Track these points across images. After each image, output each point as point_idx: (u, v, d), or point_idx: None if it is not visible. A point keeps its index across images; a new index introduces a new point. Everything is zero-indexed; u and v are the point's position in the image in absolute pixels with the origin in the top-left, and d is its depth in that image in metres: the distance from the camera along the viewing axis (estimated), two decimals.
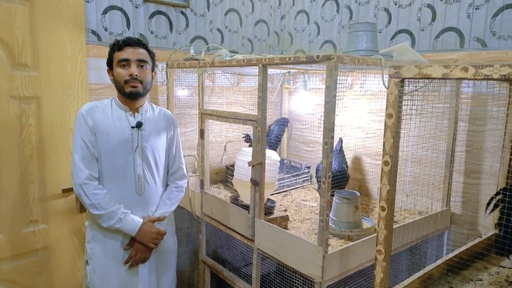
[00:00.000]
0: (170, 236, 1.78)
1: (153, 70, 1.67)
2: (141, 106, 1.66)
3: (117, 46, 1.57)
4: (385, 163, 1.08)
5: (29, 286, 1.82)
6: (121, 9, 2.09)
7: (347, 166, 2.15)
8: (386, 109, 1.06)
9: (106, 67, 1.64)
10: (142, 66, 1.58)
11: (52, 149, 1.82)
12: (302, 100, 2.61)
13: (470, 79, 0.91)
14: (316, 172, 2.19)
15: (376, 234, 1.14)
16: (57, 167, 1.84)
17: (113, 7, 2.05)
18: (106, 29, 2.04)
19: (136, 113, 1.65)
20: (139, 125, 1.62)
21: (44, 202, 1.83)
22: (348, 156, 2.25)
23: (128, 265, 1.63)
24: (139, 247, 1.62)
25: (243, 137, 2.33)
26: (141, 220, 1.61)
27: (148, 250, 1.65)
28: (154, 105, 1.77)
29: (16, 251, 1.77)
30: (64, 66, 1.83)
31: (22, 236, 1.78)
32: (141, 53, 1.58)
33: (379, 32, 2.17)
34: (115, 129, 1.59)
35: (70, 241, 1.93)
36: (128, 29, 2.12)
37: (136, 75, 1.55)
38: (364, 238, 1.56)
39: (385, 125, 1.07)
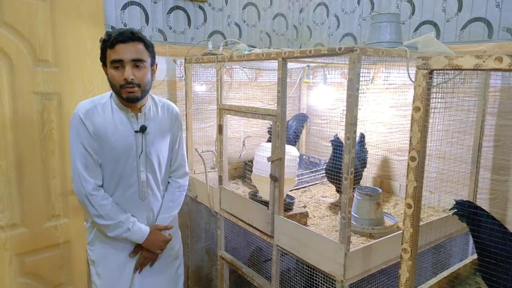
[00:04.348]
0: (173, 232, 1.72)
1: (152, 64, 1.48)
2: (144, 105, 1.52)
3: (108, 44, 1.38)
4: (412, 158, 1.04)
5: (51, 279, 1.85)
6: (139, 5, 2.08)
7: (364, 163, 2.09)
8: (413, 102, 1.01)
9: (100, 63, 1.47)
10: (137, 66, 1.40)
11: None
12: (321, 95, 2.57)
13: (505, 70, 0.85)
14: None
15: (399, 232, 1.10)
16: None
17: (132, 3, 2.05)
18: (125, 25, 2.05)
19: (139, 113, 1.51)
20: (143, 129, 1.50)
21: (65, 197, 1.85)
22: (370, 152, 2.19)
23: (128, 254, 1.58)
24: (147, 255, 1.59)
25: (268, 129, 2.32)
26: (148, 229, 1.56)
27: (156, 255, 1.63)
28: (156, 98, 1.62)
29: (38, 245, 1.80)
30: (85, 62, 1.84)
31: (45, 230, 1.81)
32: (136, 50, 1.38)
33: (402, 24, 2.11)
34: (118, 134, 1.46)
35: None
36: (147, 25, 2.12)
37: (132, 78, 1.38)
38: (387, 236, 1.51)
39: (412, 119, 1.02)
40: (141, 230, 1.54)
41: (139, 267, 1.59)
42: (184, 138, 1.77)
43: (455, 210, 1.18)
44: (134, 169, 1.51)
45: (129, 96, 1.41)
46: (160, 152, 1.59)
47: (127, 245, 1.58)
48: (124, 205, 1.53)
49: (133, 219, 1.54)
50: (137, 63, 1.39)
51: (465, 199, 1.23)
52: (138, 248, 1.58)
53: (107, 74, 1.45)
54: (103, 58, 1.44)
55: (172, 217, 1.68)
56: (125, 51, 1.36)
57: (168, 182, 1.70)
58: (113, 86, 1.43)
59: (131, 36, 1.37)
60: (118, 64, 1.38)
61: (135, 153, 1.50)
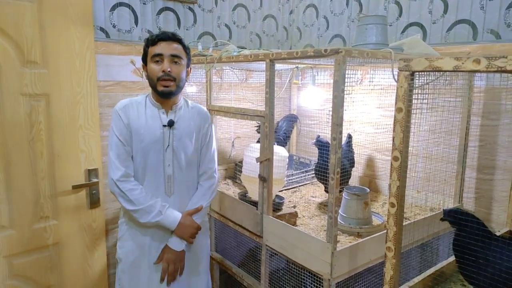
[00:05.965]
0: (202, 235, 1.72)
1: (188, 66, 1.62)
2: (176, 103, 1.62)
3: (151, 41, 1.53)
4: (395, 158, 1.06)
5: (40, 282, 1.84)
6: (129, 6, 2.08)
7: (352, 163, 2.12)
8: (396, 103, 1.03)
9: (141, 63, 1.61)
10: (175, 62, 1.53)
11: (62, 146, 1.83)
12: (310, 96, 2.59)
13: (483, 71, 0.88)
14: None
15: (386, 230, 1.11)
16: (67, 163, 1.86)
17: (121, 4, 2.05)
18: (114, 26, 2.04)
19: (169, 111, 1.60)
20: (170, 123, 1.57)
21: (54, 198, 1.84)
22: (358, 151, 2.22)
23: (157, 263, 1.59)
24: (170, 258, 1.57)
25: (256, 127, 2.33)
26: (180, 214, 1.58)
27: (179, 259, 1.60)
28: (189, 101, 1.70)
29: (27, 246, 1.79)
30: (73, 63, 1.83)
31: (33, 232, 1.80)
32: (175, 48, 1.53)
33: (390, 26, 2.14)
34: (147, 128, 1.56)
35: (81, 237, 1.94)
36: (136, 26, 2.12)
37: (169, 71, 1.50)
38: (374, 235, 1.53)
39: (394, 120, 1.05)
40: (173, 214, 1.57)
41: (164, 275, 1.57)
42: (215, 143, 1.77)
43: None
44: (160, 162, 1.57)
45: (164, 90, 1.52)
46: (188, 149, 1.62)
47: (156, 244, 1.59)
48: None
49: (164, 204, 1.56)
50: (175, 59, 1.53)
51: (452, 207, 1.28)
52: (161, 256, 1.58)
53: (146, 72, 1.58)
54: (144, 57, 1.57)
55: (202, 210, 1.66)
56: (165, 47, 1.51)
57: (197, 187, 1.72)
58: (151, 80, 1.55)
59: (172, 37, 1.53)
60: (158, 58, 1.51)
61: (162, 147, 1.57)
